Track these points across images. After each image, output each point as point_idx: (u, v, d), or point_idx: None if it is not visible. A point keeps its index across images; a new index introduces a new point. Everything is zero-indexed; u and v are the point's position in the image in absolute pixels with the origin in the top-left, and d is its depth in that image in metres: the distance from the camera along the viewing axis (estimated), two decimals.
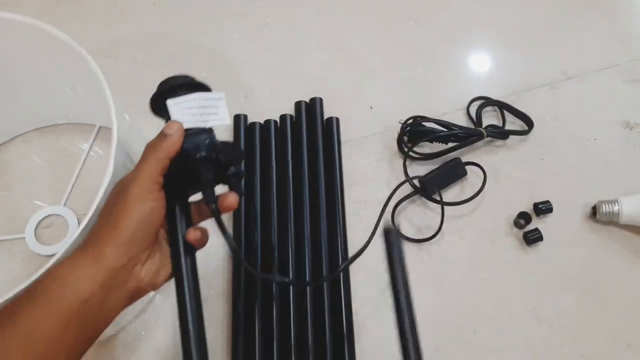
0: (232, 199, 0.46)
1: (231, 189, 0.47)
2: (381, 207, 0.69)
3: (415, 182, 0.72)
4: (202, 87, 0.48)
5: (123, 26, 0.86)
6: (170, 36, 0.85)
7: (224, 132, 0.75)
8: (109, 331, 0.57)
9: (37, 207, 0.73)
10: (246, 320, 0.64)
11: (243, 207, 0.71)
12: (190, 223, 0.47)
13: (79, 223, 0.72)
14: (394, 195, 0.70)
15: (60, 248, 0.70)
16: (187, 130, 0.46)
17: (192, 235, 0.45)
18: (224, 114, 0.48)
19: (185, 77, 0.47)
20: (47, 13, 0.86)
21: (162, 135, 0.44)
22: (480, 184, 0.72)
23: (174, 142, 0.44)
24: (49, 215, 0.73)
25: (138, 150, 0.58)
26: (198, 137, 0.46)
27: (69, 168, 0.75)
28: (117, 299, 0.42)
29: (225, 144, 0.47)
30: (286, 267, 0.67)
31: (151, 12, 0.88)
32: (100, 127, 0.78)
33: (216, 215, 0.45)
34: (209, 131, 0.47)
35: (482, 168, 0.73)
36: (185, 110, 0.46)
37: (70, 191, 0.74)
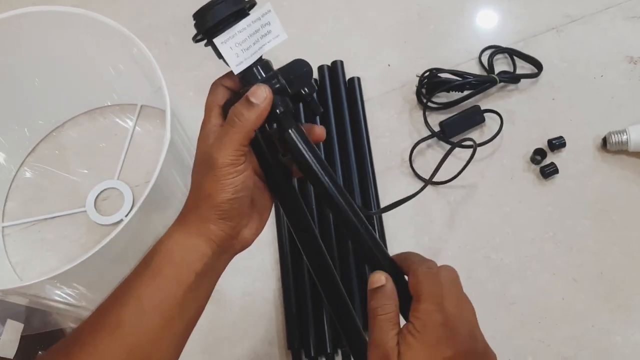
0: (319, 130, 0.46)
1: (309, 107, 0.46)
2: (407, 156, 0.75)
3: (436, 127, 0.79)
4: (244, 11, 0.42)
5: (152, 12, 0.92)
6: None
7: None
8: None
9: (93, 183, 0.80)
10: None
11: None
12: (281, 163, 0.46)
13: (132, 193, 0.80)
14: (413, 138, 0.78)
15: (119, 217, 0.78)
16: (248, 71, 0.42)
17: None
18: (278, 28, 0.42)
19: (222, 3, 0.41)
20: (81, 4, 0.93)
21: (249, 104, 0.40)
22: (497, 128, 0.78)
23: (262, 113, 0.40)
24: (105, 189, 0.80)
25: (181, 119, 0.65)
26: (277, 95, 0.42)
27: (118, 145, 0.83)
28: (225, 260, 0.45)
29: (290, 71, 0.44)
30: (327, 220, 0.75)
31: None
32: (141, 106, 0.85)
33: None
34: (274, 75, 0.43)
35: (499, 114, 0.78)
36: (237, 47, 0.41)
37: (122, 165, 0.81)
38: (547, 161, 0.77)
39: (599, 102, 0.81)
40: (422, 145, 0.79)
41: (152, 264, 0.41)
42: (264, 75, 0.43)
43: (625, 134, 0.75)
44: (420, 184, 0.73)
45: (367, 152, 0.78)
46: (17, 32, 0.68)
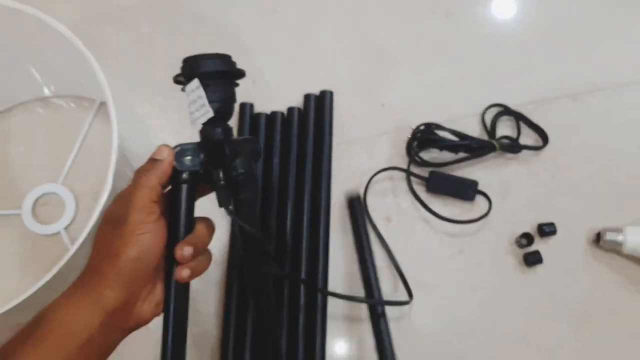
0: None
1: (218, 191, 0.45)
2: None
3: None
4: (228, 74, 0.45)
5: None
6: (178, 5, 0.81)
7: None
8: None
9: (34, 183, 0.72)
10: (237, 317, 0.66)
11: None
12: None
13: (76, 203, 0.72)
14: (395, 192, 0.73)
15: (57, 228, 0.70)
16: (177, 146, 0.44)
17: (180, 274, 0.43)
18: (206, 105, 0.44)
19: (207, 61, 0.43)
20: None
21: (152, 161, 0.43)
22: (487, 209, 0.71)
23: (165, 168, 0.43)
24: (46, 193, 0.72)
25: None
26: (184, 156, 0.44)
27: (68, 144, 0.74)
28: (116, 335, 0.41)
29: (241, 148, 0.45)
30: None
31: None
32: (101, 103, 0.76)
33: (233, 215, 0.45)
34: (194, 146, 0.45)
35: (489, 199, 0.71)
36: (187, 108, 0.44)
37: (68, 169, 0.73)
38: (533, 247, 0.70)
39: (601, 192, 0.73)
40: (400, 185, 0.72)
41: (36, 332, 0.38)
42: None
43: (621, 234, 0.68)
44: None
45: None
46: None
